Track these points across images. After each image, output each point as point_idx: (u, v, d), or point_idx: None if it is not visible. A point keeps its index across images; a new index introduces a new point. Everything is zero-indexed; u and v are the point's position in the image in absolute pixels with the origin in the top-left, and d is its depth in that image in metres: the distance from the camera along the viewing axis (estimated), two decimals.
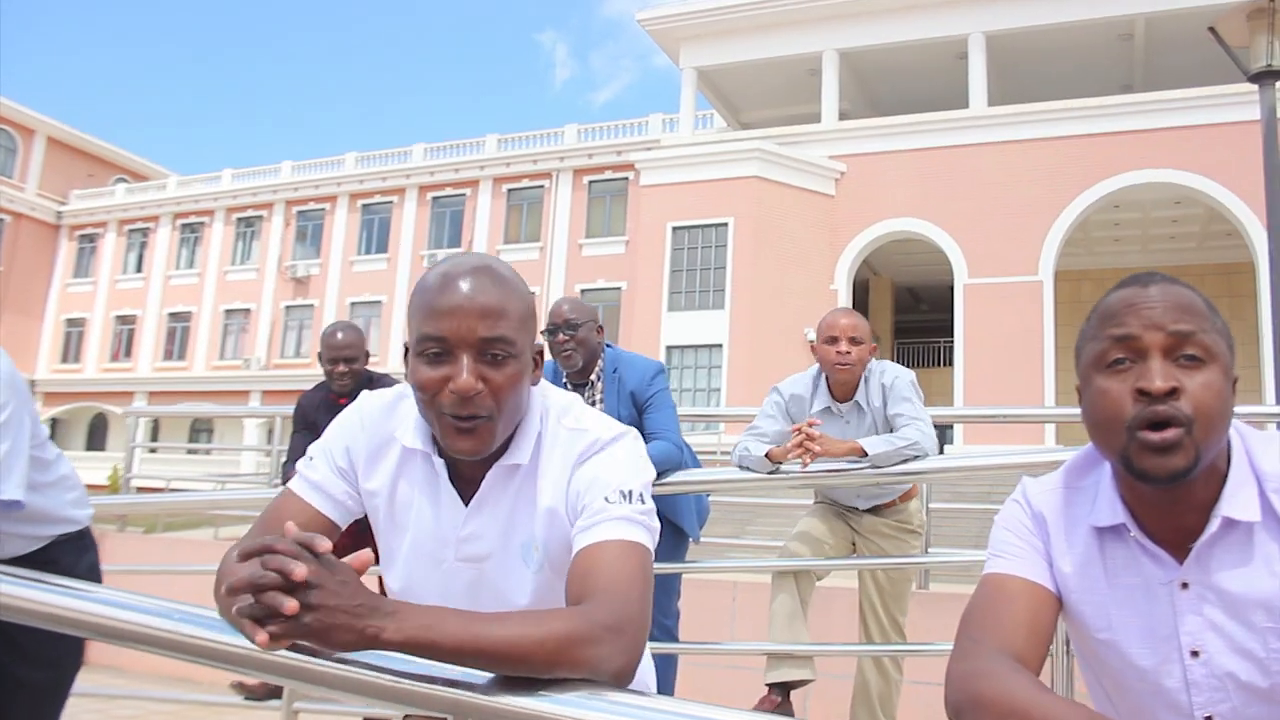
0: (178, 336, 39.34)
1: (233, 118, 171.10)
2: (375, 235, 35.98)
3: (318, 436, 4.35)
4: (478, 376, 1.40)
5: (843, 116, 25.90)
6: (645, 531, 1.41)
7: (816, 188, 24.36)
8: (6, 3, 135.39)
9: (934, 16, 24.94)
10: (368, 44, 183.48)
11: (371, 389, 4.33)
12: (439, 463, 1.52)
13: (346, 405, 4.33)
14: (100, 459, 36.96)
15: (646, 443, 3.65)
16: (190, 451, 34.66)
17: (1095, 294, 28.27)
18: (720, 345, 23.46)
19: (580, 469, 1.48)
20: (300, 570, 1.11)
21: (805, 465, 3.35)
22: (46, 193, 42.26)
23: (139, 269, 40.91)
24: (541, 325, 3.87)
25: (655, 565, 1.47)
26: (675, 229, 24.34)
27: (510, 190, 33.99)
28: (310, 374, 34.74)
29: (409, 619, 1.16)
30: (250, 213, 38.81)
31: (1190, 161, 21.99)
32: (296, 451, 4.42)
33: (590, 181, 32.72)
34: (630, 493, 1.43)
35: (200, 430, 38.78)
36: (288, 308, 36.93)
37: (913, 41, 25.39)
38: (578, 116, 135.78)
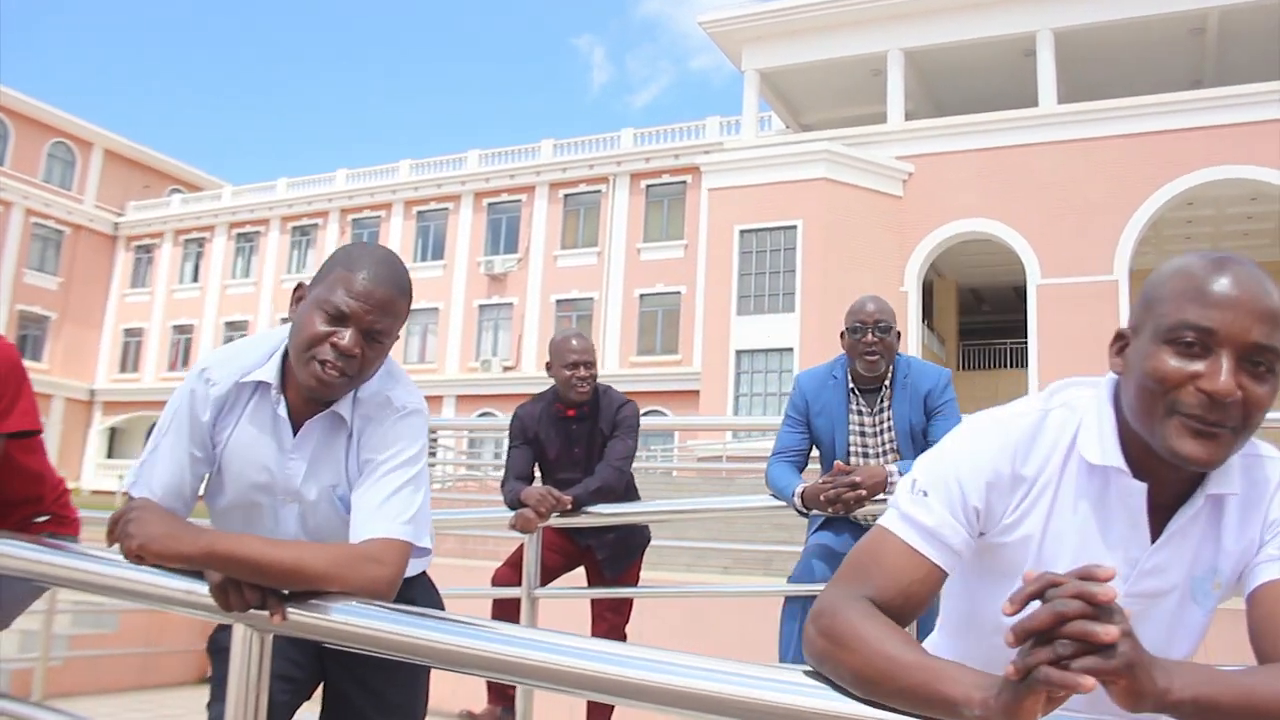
0: None
1: (283, 128, 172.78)
2: (431, 243, 36.06)
3: (539, 452, 4.18)
4: (1237, 384, 1.22)
5: (908, 117, 25.64)
6: None
7: (884, 189, 24.12)
8: (66, 17, 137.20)
9: (1001, 14, 24.64)
10: (406, 54, 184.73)
11: (600, 404, 4.21)
12: (1137, 485, 1.31)
13: (575, 418, 4.18)
14: None
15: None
16: None
17: None
18: (791, 349, 23.25)
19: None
20: (1109, 592, 0.95)
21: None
22: (104, 204, 42.73)
23: (195, 279, 41.25)
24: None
25: None
26: (743, 232, 24.16)
27: (567, 195, 33.97)
28: None
29: (1187, 675, 1.02)
30: (305, 221, 39.04)
31: (1265, 157, 21.57)
32: (515, 468, 4.18)
33: (648, 185, 32.65)
34: None
35: None
36: None
37: (979, 40, 25.10)
38: (616, 121, 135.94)
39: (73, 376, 40.53)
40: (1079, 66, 25.22)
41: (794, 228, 23.56)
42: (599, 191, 33.47)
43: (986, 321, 32.30)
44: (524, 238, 34.19)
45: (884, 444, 3.64)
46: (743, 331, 23.87)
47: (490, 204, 35.20)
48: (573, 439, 4.21)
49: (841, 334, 3.64)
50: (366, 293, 1.79)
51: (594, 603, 4.38)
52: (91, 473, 39.61)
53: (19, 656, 6.54)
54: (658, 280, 31.65)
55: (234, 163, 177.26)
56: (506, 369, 32.92)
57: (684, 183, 31.80)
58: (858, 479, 3.25)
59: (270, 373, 1.91)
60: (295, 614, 1.58)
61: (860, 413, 3.68)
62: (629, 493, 4.20)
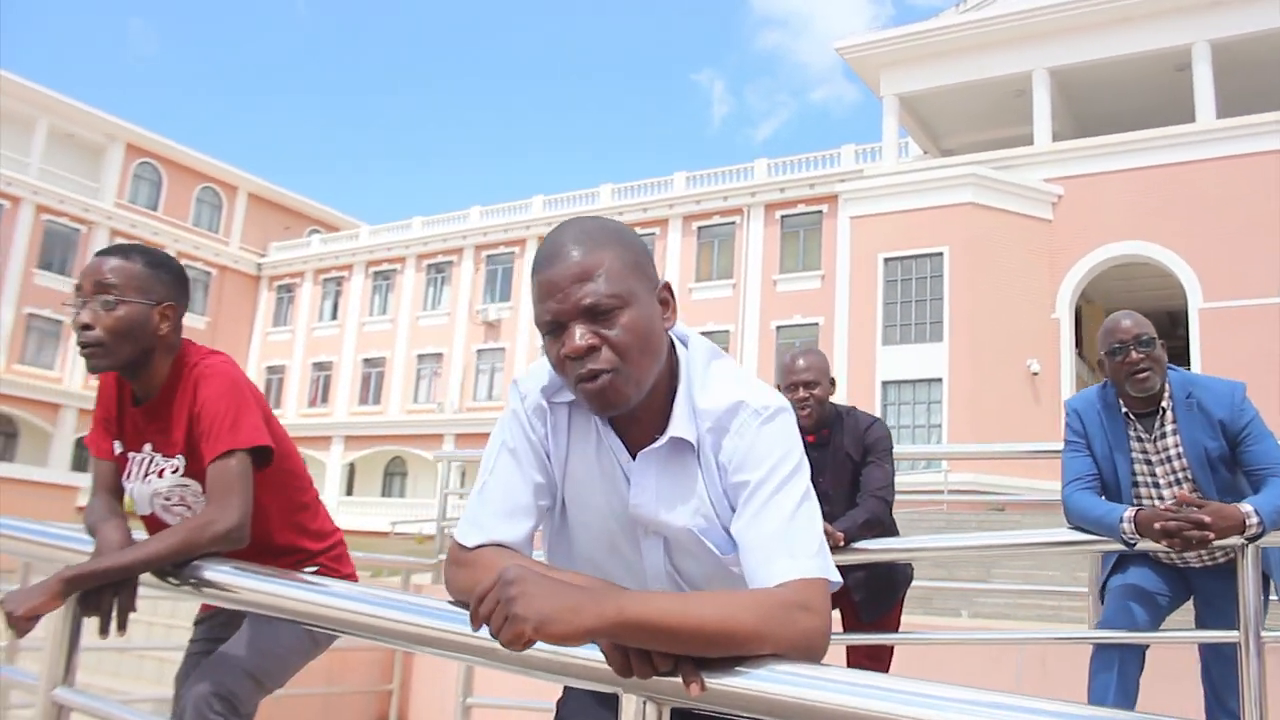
0: (372, 381, 40.29)
1: (419, 167, 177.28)
2: None
3: None
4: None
5: (1053, 138, 24.87)
6: None
7: (1033, 212, 23.38)
8: (208, 64, 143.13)
9: (1152, 29, 23.76)
10: (529, 91, 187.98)
11: (843, 426, 3.89)
12: None
13: (815, 444, 3.86)
14: None
15: (1255, 486, 3.11)
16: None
17: None
18: (940, 379, 22.59)
19: None
20: None
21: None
22: (247, 246, 44.12)
23: (334, 316, 42.18)
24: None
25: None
26: (887, 260, 23.65)
27: (701, 228, 33.82)
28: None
29: None
30: (440, 259, 39.61)
31: None
32: None
33: (783, 216, 32.28)
34: None
35: (393, 474, 39.68)
36: (479, 351, 37.42)
37: (1127, 55, 24.25)
38: (738, 154, 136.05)
39: None
40: (1237, 78, 24.13)
41: (940, 254, 22.96)
42: (733, 223, 33.22)
43: None
44: (659, 270, 34.02)
45: (1173, 472, 3.26)
46: (889, 362, 23.30)
47: None
48: (816, 468, 3.85)
49: (1099, 362, 3.31)
50: (554, 281, 1.49)
51: (849, 651, 4.02)
52: None
53: None
54: (795, 311, 31.19)
55: (369, 202, 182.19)
56: None
57: (820, 212, 31.36)
58: (1206, 519, 2.84)
59: None
60: (714, 681, 1.27)
61: (1140, 439, 3.30)
62: (891, 526, 3.87)
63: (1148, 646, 3.22)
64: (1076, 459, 3.37)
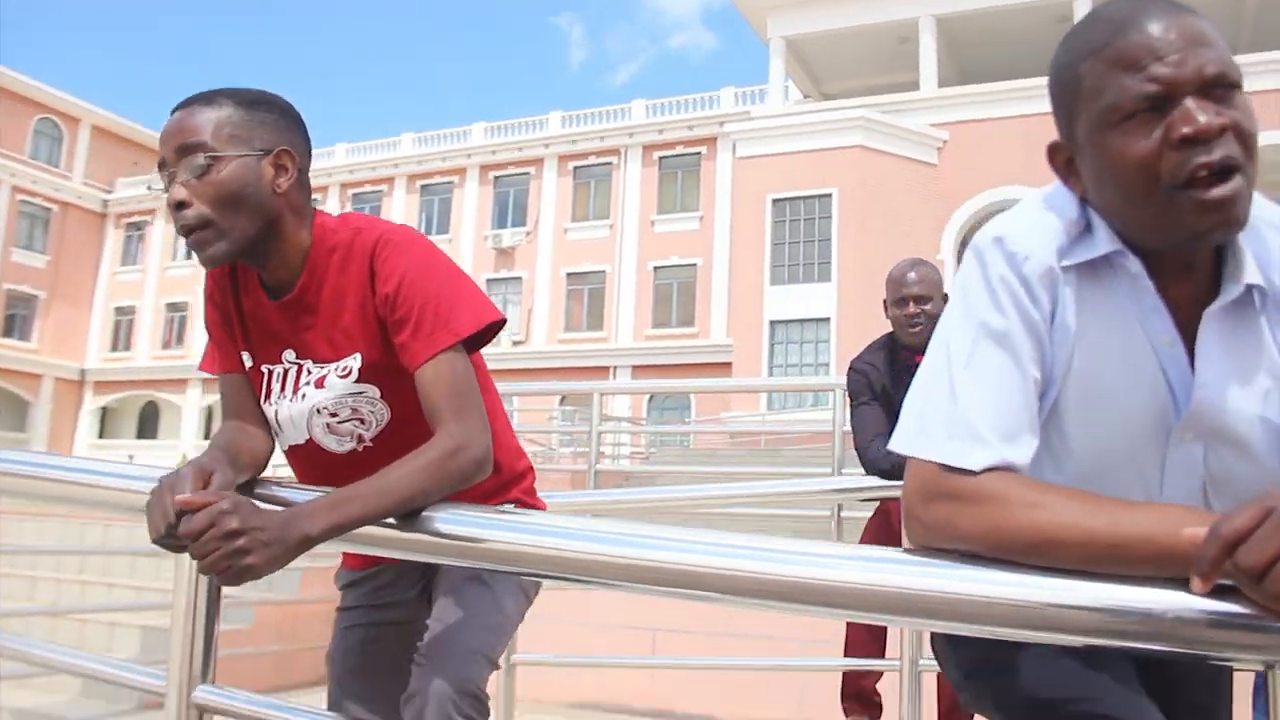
0: None
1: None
2: (436, 216, 35.29)
3: (888, 410, 3.42)
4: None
5: (938, 85, 25.18)
6: None
7: (920, 156, 23.58)
8: None
9: None
10: (392, 35, 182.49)
11: None
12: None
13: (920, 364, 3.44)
14: (154, 446, 36.74)
15: None
16: None
17: None
18: (828, 319, 22.68)
19: None
20: None
21: None
22: (92, 182, 41.69)
23: (190, 256, 40.18)
24: None
25: None
26: (775, 201, 23.57)
27: (577, 168, 33.30)
28: None
29: None
30: None
31: None
32: (876, 426, 3.41)
33: (661, 157, 32.03)
34: None
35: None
36: None
37: (1011, 5, 24.64)
38: (597, 98, 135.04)
39: (63, 356, 39.56)
40: None
41: (829, 196, 22.98)
42: (610, 163, 32.81)
43: None
44: (532, 211, 33.51)
45: None
46: (777, 301, 23.30)
47: (497, 177, 34.47)
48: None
49: None
50: (1165, 41, 1.06)
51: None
52: (84, 454, 38.67)
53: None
54: (672, 252, 31.06)
55: None
56: (516, 343, 32.25)
57: (699, 154, 31.25)
58: None
59: (1111, 239, 1.14)
60: None
61: None
62: None
63: None
64: None
